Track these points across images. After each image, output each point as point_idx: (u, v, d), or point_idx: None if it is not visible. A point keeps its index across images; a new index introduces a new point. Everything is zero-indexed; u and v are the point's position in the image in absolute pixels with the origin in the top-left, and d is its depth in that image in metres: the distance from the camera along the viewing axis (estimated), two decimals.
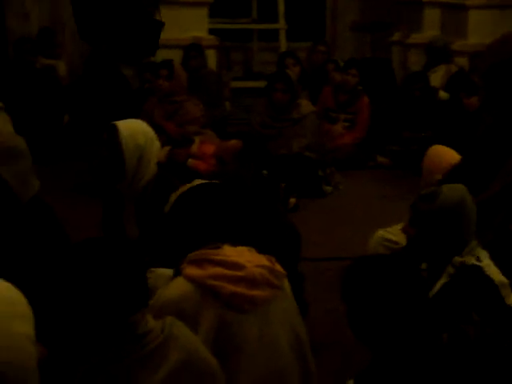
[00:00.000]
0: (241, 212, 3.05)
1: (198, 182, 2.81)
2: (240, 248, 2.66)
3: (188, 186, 2.78)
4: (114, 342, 2.10)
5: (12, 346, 1.97)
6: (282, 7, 10.25)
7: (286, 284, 2.70)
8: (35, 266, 3.15)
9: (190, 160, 6.39)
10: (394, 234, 4.13)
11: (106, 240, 2.38)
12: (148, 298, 2.21)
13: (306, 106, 6.84)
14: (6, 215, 3.19)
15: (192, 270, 2.54)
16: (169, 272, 3.20)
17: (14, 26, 8.35)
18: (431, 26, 9.26)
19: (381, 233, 4.26)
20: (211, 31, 9.14)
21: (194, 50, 8.04)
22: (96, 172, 6.06)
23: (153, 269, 3.20)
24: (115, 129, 3.91)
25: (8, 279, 2.31)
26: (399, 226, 3.71)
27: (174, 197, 2.79)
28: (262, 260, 2.63)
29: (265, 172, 5.25)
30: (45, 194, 3.40)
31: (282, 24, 10.26)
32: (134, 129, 3.96)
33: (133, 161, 3.89)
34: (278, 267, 2.66)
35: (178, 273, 2.62)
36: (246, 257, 2.61)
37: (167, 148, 6.42)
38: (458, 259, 2.97)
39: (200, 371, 2.19)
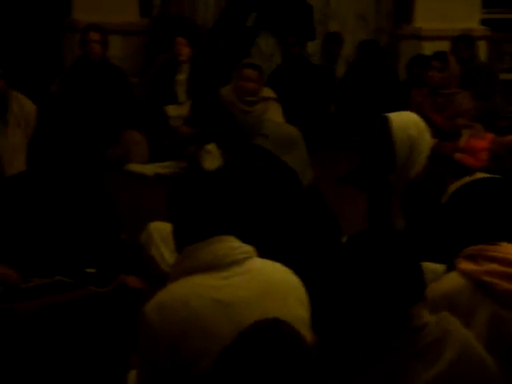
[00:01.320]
0: None
1: (479, 175, 2.74)
2: None
3: (468, 179, 2.72)
4: (390, 334, 2.10)
5: None
6: None
7: None
8: (311, 254, 3.24)
9: (456, 154, 6.24)
10: None
11: (382, 232, 2.38)
12: (424, 292, 2.18)
13: None
14: (292, 201, 3.31)
15: (467, 265, 2.49)
16: (434, 266, 3.15)
17: None
18: None
19: None
20: (483, 22, 8.86)
21: (462, 41, 7.84)
22: (364, 163, 6.09)
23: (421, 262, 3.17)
24: (387, 120, 3.92)
25: (287, 265, 2.40)
26: None
27: (452, 189, 2.74)
28: None
29: None
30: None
31: None
32: (405, 120, 3.94)
33: (404, 152, 3.87)
34: None
35: (451, 267, 2.58)
36: None
37: (434, 140, 6.32)
38: None
39: (475, 368, 2.14)
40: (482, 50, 8.41)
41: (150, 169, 6.45)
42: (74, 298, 3.47)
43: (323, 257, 3.19)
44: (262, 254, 2.34)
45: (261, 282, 2.25)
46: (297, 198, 3.30)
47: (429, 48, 7.74)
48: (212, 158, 6.22)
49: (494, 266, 2.46)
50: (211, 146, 6.34)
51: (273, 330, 1.81)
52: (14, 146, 4.88)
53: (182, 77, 6.92)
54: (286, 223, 3.25)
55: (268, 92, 6.69)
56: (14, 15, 7.90)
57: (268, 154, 3.32)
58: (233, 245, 2.27)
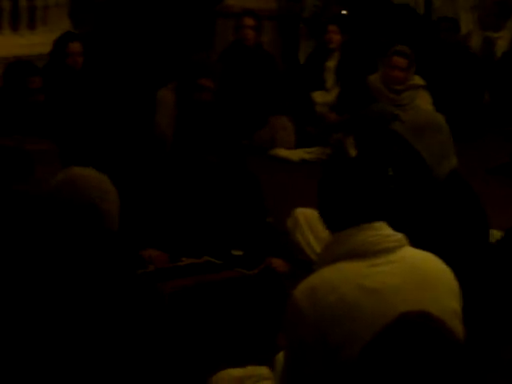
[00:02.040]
0: None
1: None
2: None
3: None
4: None
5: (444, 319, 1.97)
6: None
7: None
8: (451, 243, 3.17)
9: None
10: None
11: None
12: None
13: None
14: (421, 187, 3.27)
15: None
16: None
17: (439, 5, 8.41)
18: None
19: None
20: None
21: None
22: None
23: None
24: None
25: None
26: None
27: None
28: None
29: None
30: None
31: None
32: None
33: None
34: None
35: None
36: None
37: None
38: None
39: None
40: None
41: (295, 154, 6.47)
42: (222, 278, 3.54)
43: (466, 247, 3.11)
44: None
45: (412, 271, 2.21)
46: (425, 185, 3.25)
47: None
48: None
49: None
50: None
51: (422, 324, 1.76)
52: None
53: (331, 63, 6.89)
54: (417, 211, 3.22)
55: (418, 80, 6.55)
56: (169, 1, 8.10)
57: (400, 139, 3.33)
58: (385, 232, 2.24)
